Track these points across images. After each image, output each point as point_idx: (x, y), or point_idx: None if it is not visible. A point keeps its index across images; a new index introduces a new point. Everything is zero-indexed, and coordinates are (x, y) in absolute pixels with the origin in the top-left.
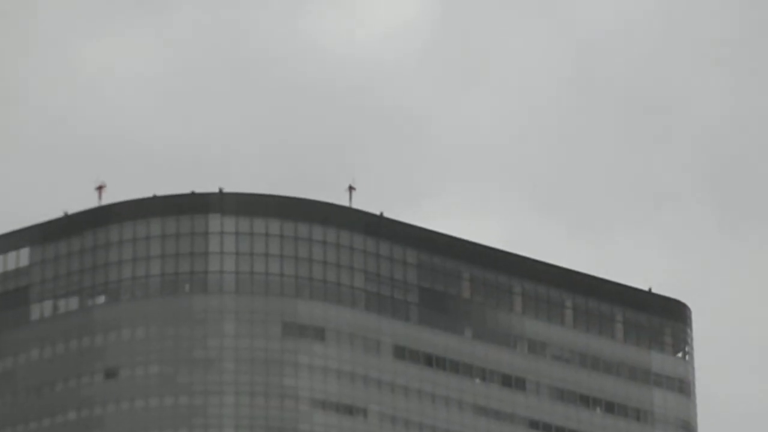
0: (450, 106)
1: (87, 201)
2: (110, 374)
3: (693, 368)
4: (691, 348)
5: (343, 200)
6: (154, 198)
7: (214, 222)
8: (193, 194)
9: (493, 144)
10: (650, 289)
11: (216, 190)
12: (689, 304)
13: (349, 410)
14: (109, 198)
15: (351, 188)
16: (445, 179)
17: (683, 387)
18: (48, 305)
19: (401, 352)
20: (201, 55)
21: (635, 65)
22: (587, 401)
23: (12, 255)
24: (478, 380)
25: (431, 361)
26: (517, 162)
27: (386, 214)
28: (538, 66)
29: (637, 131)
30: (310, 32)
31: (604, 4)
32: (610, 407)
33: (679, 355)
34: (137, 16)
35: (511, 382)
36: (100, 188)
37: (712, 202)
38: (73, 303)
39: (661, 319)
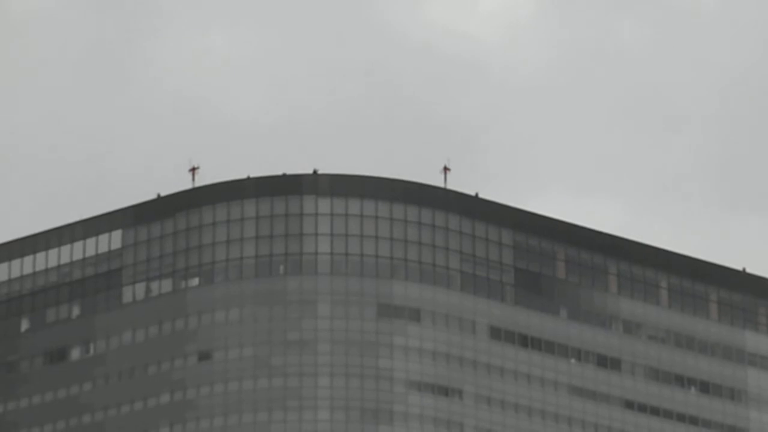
0: (548, 89)
1: (180, 183)
2: (203, 357)
3: None
4: None
5: (438, 181)
6: (248, 179)
7: (309, 203)
8: (287, 175)
9: (588, 126)
10: (744, 269)
11: (310, 171)
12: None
13: (445, 391)
14: (202, 180)
15: (446, 169)
16: (540, 160)
17: None
18: (141, 288)
19: (497, 333)
20: (300, 36)
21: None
22: (682, 381)
23: (104, 237)
24: (573, 360)
25: (526, 341)
26: (610, 144)
27: (481, 195)
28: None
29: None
30: (413, 14)
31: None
32: (704, 387)
33: None
34: None
35: (606, 362)
36: (193, 170)
37: None
38: (167, 285)
39: (756, 298)
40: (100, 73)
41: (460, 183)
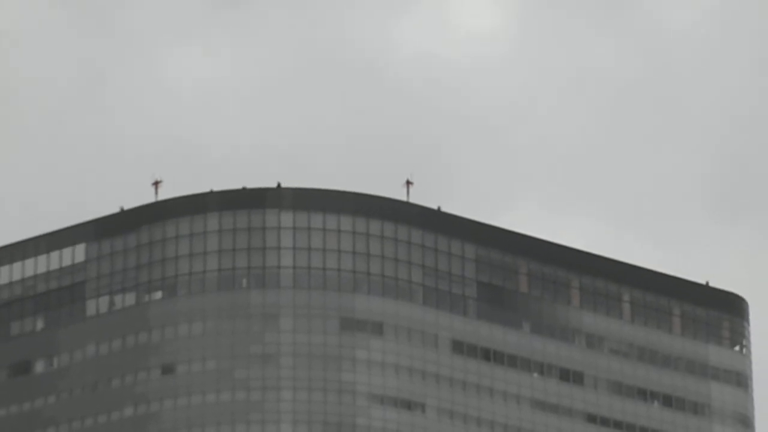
0: (515, 107)
1: (143, 196)
2: (167, 370)
3: (750, 362)
4: (749, 341)
5: (400, 195)
6: (211, 193)
7: (271, 217)
8: (250, 189)
9: (552, 142)
10: (707, 283)
11: (273, 185)
12: (747, 297)
13: (407, 405)
14: (165, 193)
15: (408, 183)
16: (503, 174)
17: (741, 380)
18: (104, 301)
19: (459, 347)
20: (264, 53)
21: (707, 67)
22: (645, 395)
23: (68, 251)
24: (536, 374)
25: (489, 355)
26: (573, 158)
27: (444, 209)
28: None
29: (699, 129)
30: (375, 29)
31: (678, 4)
32: (667, 401)
33: (737, 348)
34: (212, 17)
35: (569, 376)
36: (156, 183)
37: (761, 197)
38: (130, 299)
39: (719, 312)
40: (65, 90)
41: (423, 197)
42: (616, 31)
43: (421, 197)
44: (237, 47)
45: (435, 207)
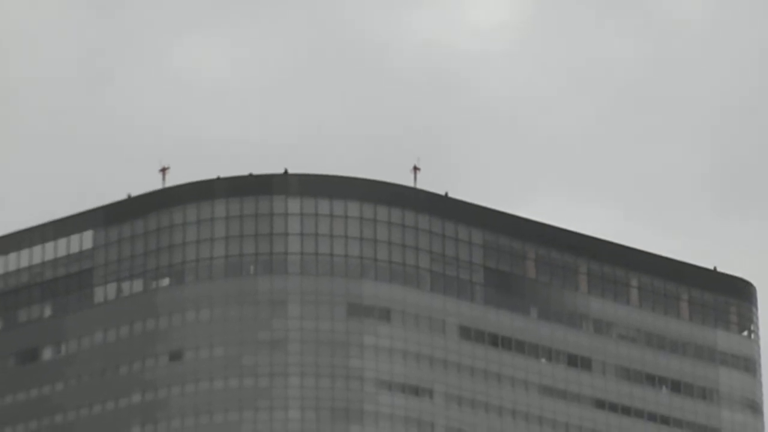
0: (523, 97)
1: (151, 183)
2: (174, 357)
3: (758, 347)
4: (757, 327)
5: (407, 180)
6: (218, 180)
7: (279, 203)
8: (257, 176)
9: (560, 131)
10: (715, 268)
11: (280, 171)
12: (755, 282)
13: (415, 391)
14: (172, 180)
15: (416, 168)
16: (510, 161)
17: (749, 365)
18: (112, 288)
19: (467, 333)
20: (272, 43)
21: (717, 57)
22: (653, 380)
23: (76, 237)
24: (543, 360)
25: (497, 341)
26: (582, 147)
27: (451, 195)
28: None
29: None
30: (385, 20)
31: None
32: (675, 386)
33: (745, 333)
34: (221, 7)
35: (577, 361)
36: (163, 170)
37: None
38: (137, 285)
39: (727, 297)
40: (75, 78)
41: (430, 183)
42: (625, 22)
43: (428, 183)
44: (245, 37)
45: (442, 193)
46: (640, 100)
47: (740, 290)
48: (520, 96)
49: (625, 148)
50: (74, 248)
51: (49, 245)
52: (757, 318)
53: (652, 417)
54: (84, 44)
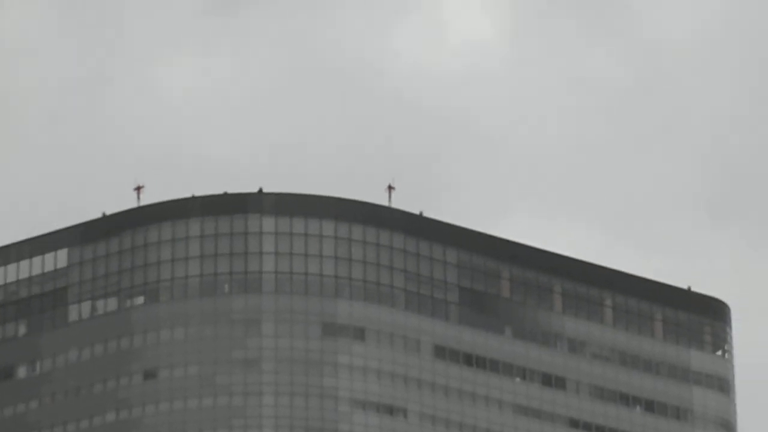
0: (502, 114)
1: (125, 202)
2: (149, 375)
3: (733, 366)
4: (731, 346)
5: (382, 200)
6: (193, 198)
7: (253, 222)
8: (231, 194)
9: (539, 150)
10: (690, 288)
11: (254, 190)
12: (729, 302)
13: (389, 410)
14: (147, 199)
15: (390, 188)
16: (487, 180)
17: (723, 385)
18: (86, 306)
19: (441, 352)
20: (249, 61)
21: (698, 76)
22: (627, 400)
23: (50, 256)
24: (518, 379)
25: (471, 360)
26: (560, 165)
27: (425, 214)
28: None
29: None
30: (368, 37)
31: (670, 13)
32: (649, 406)
33: (719, 353)
34: (201, 25)
35: (551, 381)
36: (138, 189)
37: (746, 204)
38: (112, 304)
39: (701, 317)
40: (51, 96)
41: (405, 202)
42: (607, 39)
43: (402, 202)
44: (222, 55)
45: (417, 212)
46: (618, 119)
47: (714, 310)
48: (496, 116)
49: (600, 168)
50: (49, 266)
51: (24, 263)
52: (731, 338)
53: None
54: (61, 63)
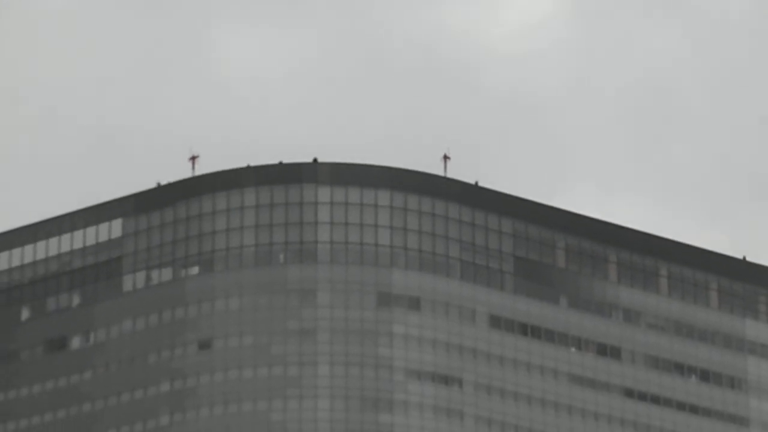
0: (556, 90)
1: (180, 171)
2: (204, 345)
3: None
4: None
5: (438, 169)
6: (248, 168)
7: (309, 192)
8: (286, 164)
9: (589, 120)
10: (745, 257)
11: (310, 159)
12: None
13: (444, 380)
14: (202, 168)
15: (446, 157)
16: (540, 150)
17: None
18: (141, 276)
19: (496, 322)
20: (303, 33)
21: (754, 53)
22: (682, 369)
23: (105, 226)
24: (573, 349)
25: (526, 330)
26: (613, 139)
27: (481, 184)
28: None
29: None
30: (423, 15)
31: None
32: (704, 375)
33: None
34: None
35: (606, 350)
36: (193, 159)
37: None
38: (167, 274)
39: (756, 287)
40: (97, 65)
41: (460, 172)
42: (664, 15)
43: (458, 172)
44: (278, 29)
45: (472, 182)
46: (680, 93)
47: None
48: (551, 89)
49: (654, 140)
50: (103, 237)
51: (78, 234)
52: None
53: (681, 406)
54: (117, 31)
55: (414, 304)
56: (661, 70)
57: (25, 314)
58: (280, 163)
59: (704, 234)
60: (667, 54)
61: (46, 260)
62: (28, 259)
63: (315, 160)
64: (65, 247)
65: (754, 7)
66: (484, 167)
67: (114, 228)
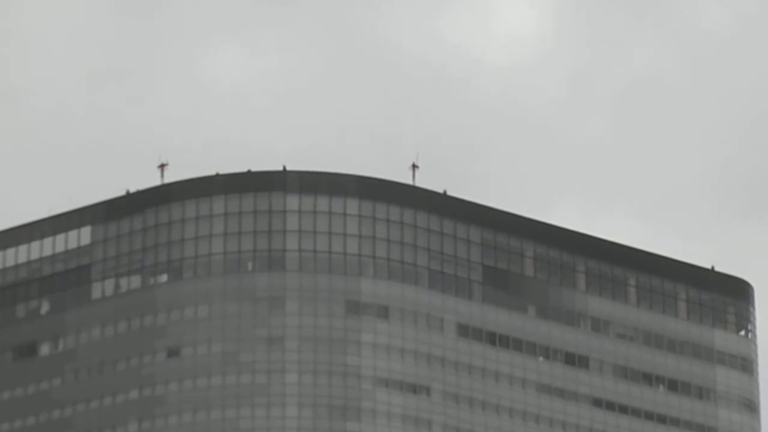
0: (520, 96)
1: (149, 179)
2: (172, 353)
3: (756, 346)
4: (754, 326)
5: (406, 178)
6: (217, 176)
7: (277, 200)
8: (256, 172)
9: (564, 130)
10: (713, 268)
11: (278, 168)
12: (752, 282)
13: (413, 389)
14: (171, 176)
15: (414, 166)
16: (508, 159)
17: (746, 365)
18: (110, 284)
19: (465, 330)
20: (282, 43)
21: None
22: (650, 379)
23: (74, 233)
24: (541, 358)
25: (494, 339)
26: (586, 150)
27: (449, 193)
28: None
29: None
30: (410, 27)
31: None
32: (673, 385)
33: (742, 333)
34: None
35: (575, 360)
36: (162, 166)
37: None
38: (135, 281)
39: (724, 297)
40: (71, 77)
41: (429, 181)
42: (652, 28)
43: (426, 181)
44: (253, 35)
45: (441, 191)
46: (649, 105)
47: (738, 290)
48: (521, 98)
49: (625, 150)
50: (72, 244)
51: (48, 241)
52: (754, 318)
53: (649, 416)
54: (88, 43)
55: (382, 312)
56: (649, 80)
57: None
58: (249, 171)
59: (672, 244)
60: (655, 64)
61: (16, 267)
62: None
63: (284, 168)
64: (34, 255)
65: (737, 16)
66: (453, 176)
67: (83, 235)
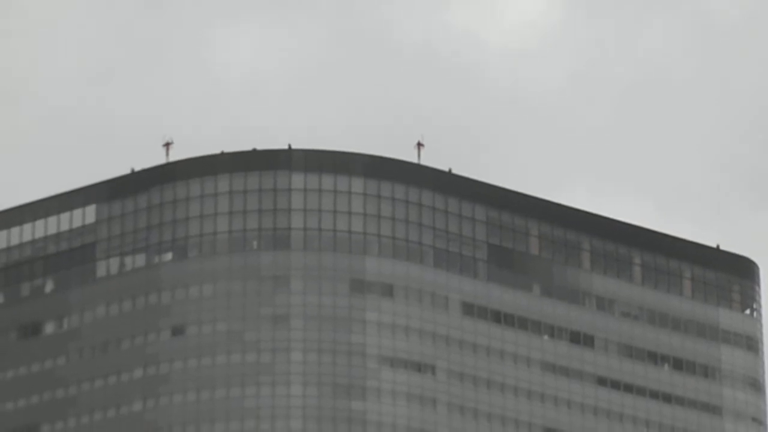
0: (525, 78)
1: (154, 158)
2: (177, 331)
3: (761, 325)
4: (759, 305)
5: (411, 157)
6: (222, 154)
7: (282, 178)
8: (261, 151)
9: (566, 111)
10: (718, 246)
11: (284, 146)
12: (758, 261)
13: (417, 367)
14: (176, 155)
15: (420, 145)
16: (512, 138)
17: (751, 344)
18: (114, 262)
19: (469, 309)
20: (291, 26)
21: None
22: (655, 358)
23: (78, 212)
24: (546, 337)
25: (499, 317)
26: (586, 126)
27: (454, 171)
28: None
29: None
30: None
31: None
32: (678, 364)
33: (747, 311)
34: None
35: (580, 338)
36: (167, 145)
37: None
38: (140, 260)
39: (730, 275)
40: (89, 56)
41: (434, 159)
42: (660, 12)
43: (432, 159)
44: (261, 17)
45: (446, 169)
46: (656, 89)
47: (743, 268)
48: (528, 80)
49: (632, 131)
50: (77, 223)
51: (52, 220)
52: (759, 296)
53: (654, 395)
54: (94, 27)
55: (387, 291)
56: (658, 66)
57: None
58: (254, 150)
59: (677, 222)
60: (665, 49)
61: (20, 246)
62: (1, 245)
63: (289, 146)
64: (39, 233)
65: (745, 5)
66: (458, 154)
67: (88, 214)
